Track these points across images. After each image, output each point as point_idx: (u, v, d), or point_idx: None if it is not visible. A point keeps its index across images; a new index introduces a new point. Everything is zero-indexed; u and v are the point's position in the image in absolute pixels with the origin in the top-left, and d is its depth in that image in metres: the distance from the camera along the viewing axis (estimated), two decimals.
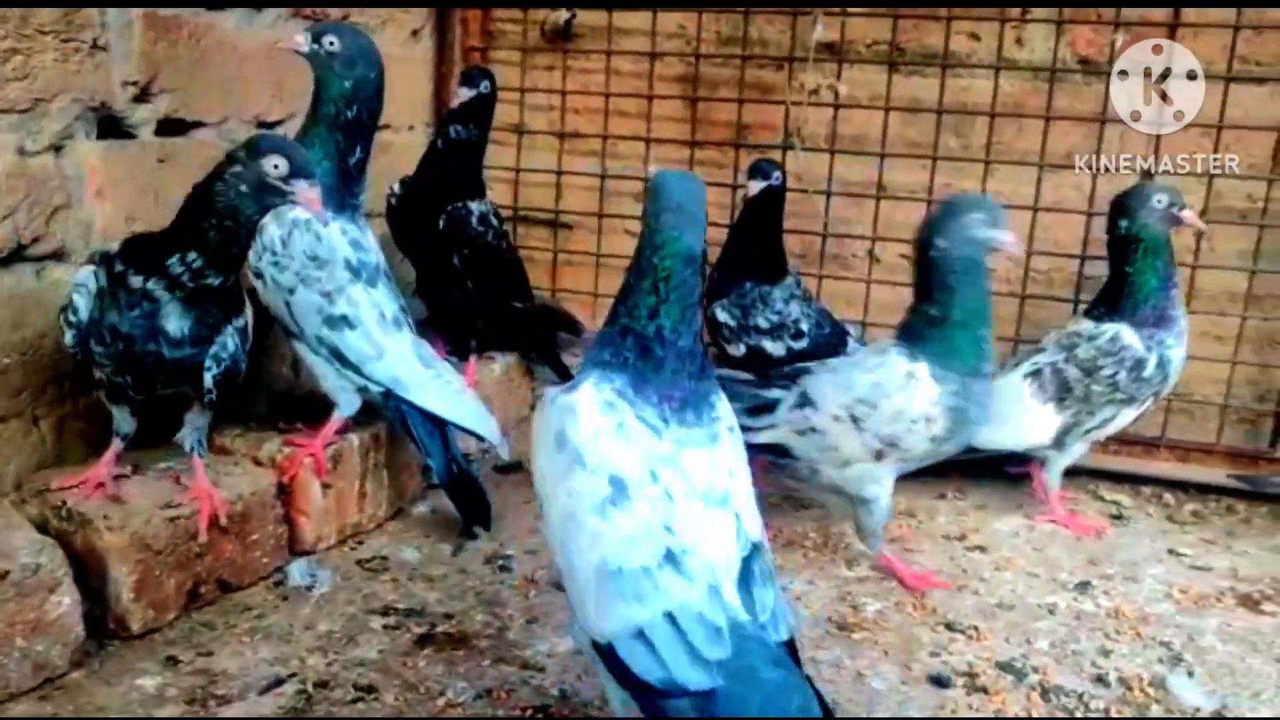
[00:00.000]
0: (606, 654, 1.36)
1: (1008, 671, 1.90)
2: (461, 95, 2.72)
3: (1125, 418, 2.49)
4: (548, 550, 2.19)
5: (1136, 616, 2.12)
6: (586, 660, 1.57)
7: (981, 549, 2.42)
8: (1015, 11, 2.84)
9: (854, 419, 2.12)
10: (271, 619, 1.96)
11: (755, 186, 2.66)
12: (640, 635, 1.32)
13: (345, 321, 2.18)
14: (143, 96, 2.21)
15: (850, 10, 2.92)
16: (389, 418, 2.32)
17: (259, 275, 2.14)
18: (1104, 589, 2.23)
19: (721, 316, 2.71)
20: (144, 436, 2.01)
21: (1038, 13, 2.82)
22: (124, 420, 1.96)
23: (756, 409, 2.20)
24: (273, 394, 2.47)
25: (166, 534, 1.88)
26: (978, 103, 2.89)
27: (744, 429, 2.18)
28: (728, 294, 2.70)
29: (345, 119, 2.14)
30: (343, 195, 2.16)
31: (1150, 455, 2.84)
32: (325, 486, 2.22)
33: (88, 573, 1.80)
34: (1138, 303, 2.42)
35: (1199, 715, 1.80)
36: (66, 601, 1.72)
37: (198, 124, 2.36)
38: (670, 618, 1.32)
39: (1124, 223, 2.42)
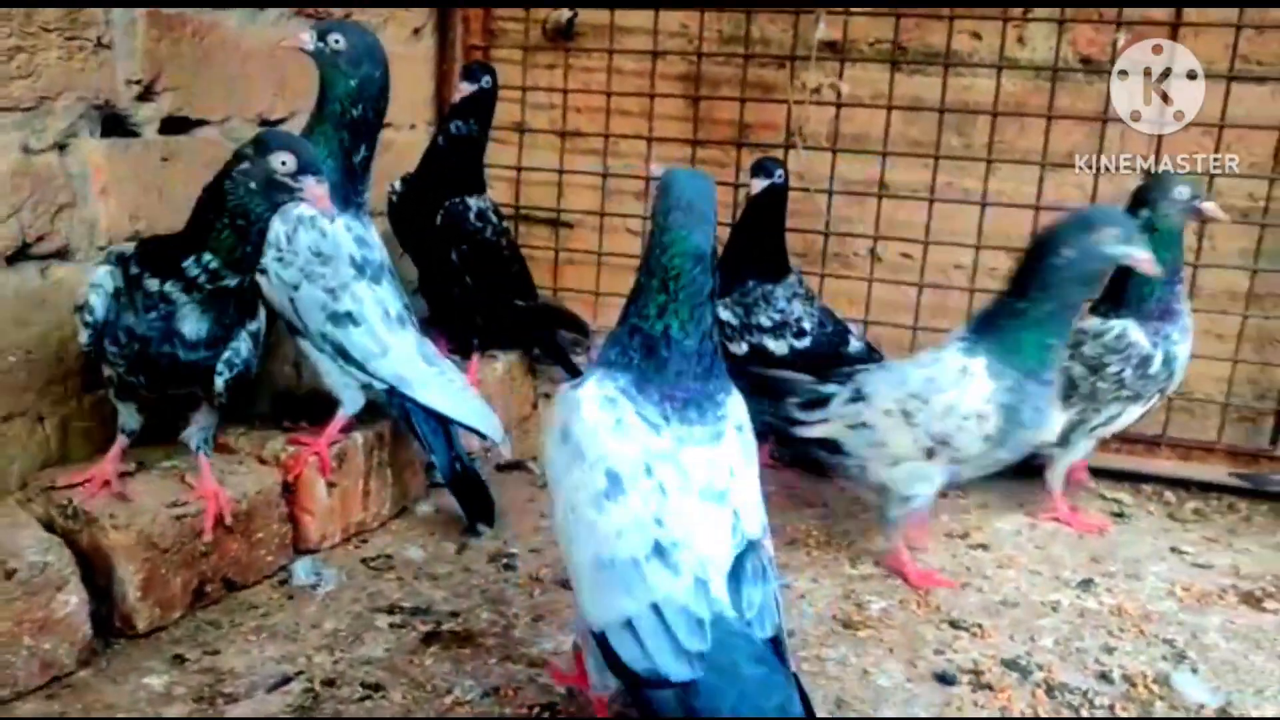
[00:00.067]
0: (601, 643, 1.38)
1: (1012, 669, 1.90)
2: (463, 90, 2.72)
3: (1131, 415, 2.48)
4: (552, 548, 2.22)
5: (1139, 614, 2.12)
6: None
7: (984, 547, 2.43)
8: (1017, 11, 2.85)
9: (905, 414, 2.11)
10: (277, 617, 1.97)
11: (758, 184, 2.66)
12: (629, 625, 1.34)
13: (349, 318, 2.18)
14: (146, 95, 2.20)
15: (852, 9, 2.92)
16: (392, 415, 2.33)
17: (263, 271, 2.13)
18: (1107, 587, 2.24)
19: (724, 315, 2.70)
20: (147, 434, 2.01)
21: (1039, 12, 2.83)
22: (130, 417, 1.96)
23: (810, 403, 2.20)
24: (276, 392, 2.47)
25: (172, 532, 1.88)
26: (979, 102, 2.90)
27: (796, 422, 2.25)
28: (730, 292, 2.69)
29: (350, 117, 2.14)
30: (348, 193, 2.16)
31: (1151, 453, 2.84)
32: (330, 485, 2.22)
33: (94, 571, 1.80)
34: (1143, 296, 2.39)
35: (1203, 712, 1.81)
36: (74, 600, 1.72)
37: (201, 122, 2.36)
38: (656, 609, 1.34)
39: (1144, 213, 2.37)
